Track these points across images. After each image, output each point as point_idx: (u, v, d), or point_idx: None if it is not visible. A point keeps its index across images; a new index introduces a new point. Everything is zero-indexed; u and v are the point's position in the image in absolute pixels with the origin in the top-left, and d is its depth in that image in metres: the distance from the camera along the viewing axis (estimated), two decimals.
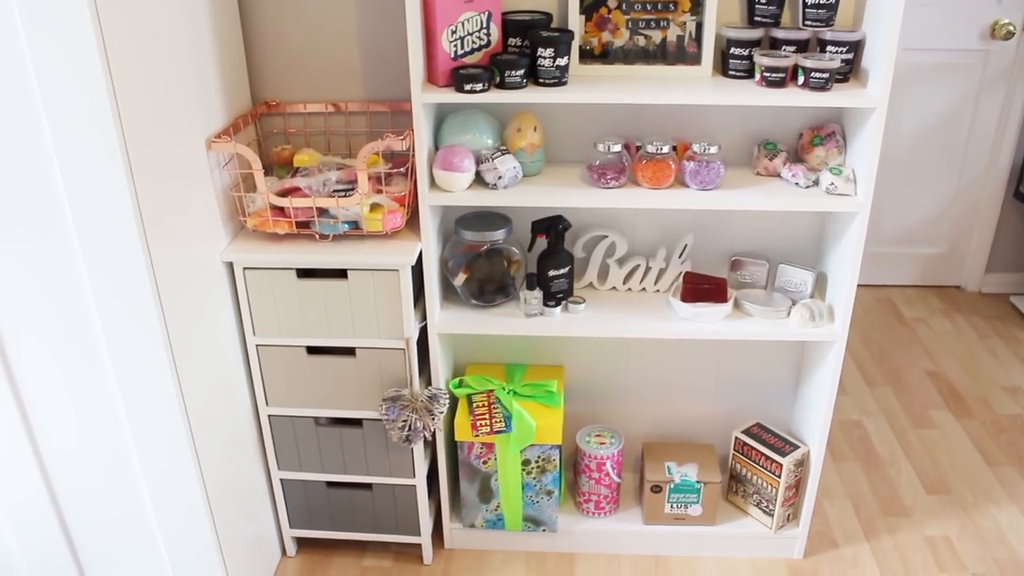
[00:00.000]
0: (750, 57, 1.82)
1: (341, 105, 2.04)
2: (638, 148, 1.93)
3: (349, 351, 1.97)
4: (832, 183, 1.84)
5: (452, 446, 2.18)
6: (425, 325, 2.01)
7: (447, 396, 2.05)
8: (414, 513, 2.17)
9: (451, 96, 1.76)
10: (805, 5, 1.82)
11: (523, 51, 1.83)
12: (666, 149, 1.84)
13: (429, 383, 2.09)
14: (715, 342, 2.26)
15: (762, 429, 2.23)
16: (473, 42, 1.81)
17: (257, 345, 1.97)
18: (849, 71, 1.84)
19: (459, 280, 2.02)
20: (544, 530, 2.24)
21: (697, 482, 2.17)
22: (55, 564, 1.89)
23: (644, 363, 2.30)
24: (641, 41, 1.88)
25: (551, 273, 2.01)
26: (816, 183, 1.90)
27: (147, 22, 1.52)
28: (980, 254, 3.59)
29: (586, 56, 1.89)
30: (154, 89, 1.56)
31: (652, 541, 2.26)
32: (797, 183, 1.89)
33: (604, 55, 1.89)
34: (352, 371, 1.98)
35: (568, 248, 2.05)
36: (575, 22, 1.86)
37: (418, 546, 2.28)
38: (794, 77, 1.81)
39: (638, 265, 2.11)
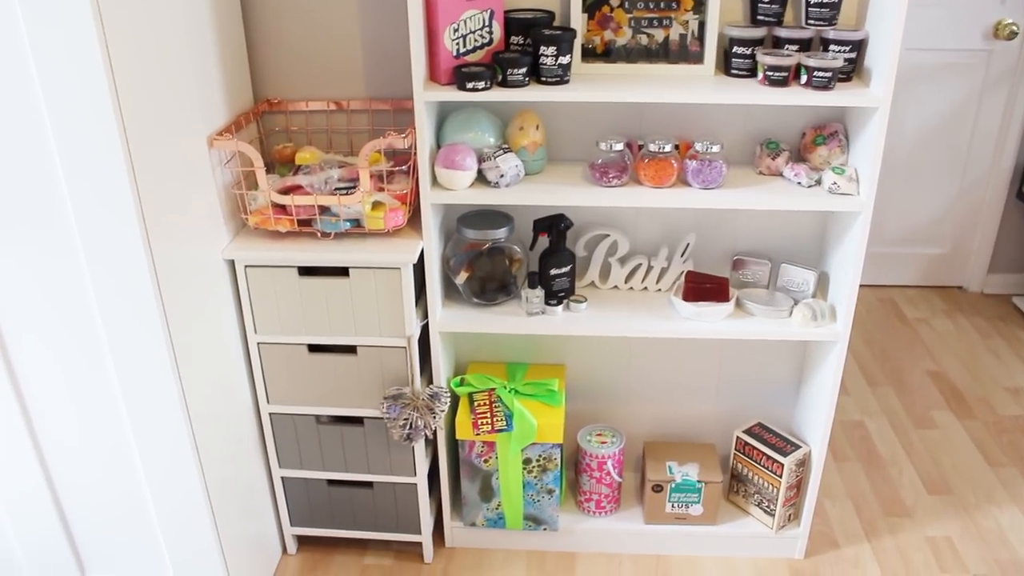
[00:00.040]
0: (753, 56, 1.82)
1: (343, 103, 2.04)
2: (640, 147, 1.93)
3: (350, 349, 1.97)
4: (835, 183, 1.84)
5: (453, 445, 2.18)
6: (426, 323, 2.01)
7: (448, 394, 2.05)
8: (415, 511, 2.17)
9: (453, 94, 1.76)
10: (808, 4, 1.82)
11: (525, 49, 1.83)
12: (668, 148, 1.84)
13: (430, 381, 2.09)
14: (717, 341, 2.26)
15: (763, 429, 2.23)
16: (475, 40, 1.80)
17: (258, 343, 1.97)
18: (852, 70, 1.84)
19: (461, 278, 2.02)
20: (545, 529, 2.24)
21: (698, 482, 2.17)
22: (56, 561, 1.89)
23: (646, 362, 2.30)
24: (643, 40, 1.88)
25: (553, 272, 2.01)
26: (818, 182, 1.90)
27: (149, 20, 1.52)
28: (983, 255, 3.59)
29: (588, 55, 1.89)
30: (156, 87, 1.55)
31: (653, 540, 2.26)
32: (799, 182, 1.89)
33: (606, 54, 1.89)
34: (353, 369, 1.98)
35: (570, 247, 2.05)
36: (577, 20, 1.85)
37: (419, 544, 2.28)
38: (797, 76, 1.80)
39: (640, 264, 2.11)
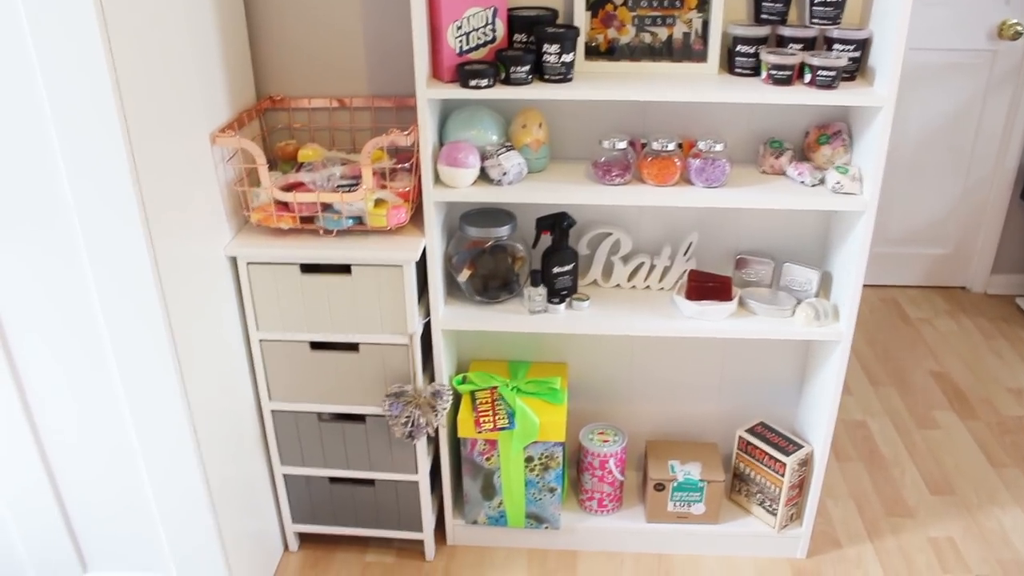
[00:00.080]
0: (756, 55, 1.82)
1: (346, 100, 2.03)
2: (643, 145, 1.92)
3: (352, 347, 1.97)
4: (838, 182, 1.83)
5: (455, 442, 2.18)
6: (429, 321, 2.01)
7: (450, 392, 2.05)
8: (416, 509, 2.17)
9: (456, 92, 1.76)
10: (812, 3, 1.81)
11: (528, 47, 1.83)
12: (672, 146, 1.84)
13: (432, 379, 2.09)
14: (719, 340, 2.26)
15: (766, 428, 2.23)
16: (478, 38, 1.80)
17: (260, 340, 1.97)
18: (856, 69, 1.84)
19: (463, 276, 2.02)
20: (547, 527, 2.23)
21: (700, 481, 2.17)
22: (58, 558, 1.89)
23: (648, 361, 2.30)
24: (647, 38, 1.88)
25: (555, 270, 2.00)
26: (822, 182, 1.89)
27: (151, 17, 1.52)
28: (986, 255, 3.58)
29: (592, 53, 1.89)
30: (158, 84, 1.55)
31: (655, 539, 2.26)
32: (803, 181, 1.89)
33: (610, 52, 1.89)
34: (355, 367, 1.98)
35: (572, 245, 2.05)
36: (581, 18, 1.85)
37: (420, 542, 2.28)
38: (800, 75, 1.80)
39: (643, 263, 2.10)
